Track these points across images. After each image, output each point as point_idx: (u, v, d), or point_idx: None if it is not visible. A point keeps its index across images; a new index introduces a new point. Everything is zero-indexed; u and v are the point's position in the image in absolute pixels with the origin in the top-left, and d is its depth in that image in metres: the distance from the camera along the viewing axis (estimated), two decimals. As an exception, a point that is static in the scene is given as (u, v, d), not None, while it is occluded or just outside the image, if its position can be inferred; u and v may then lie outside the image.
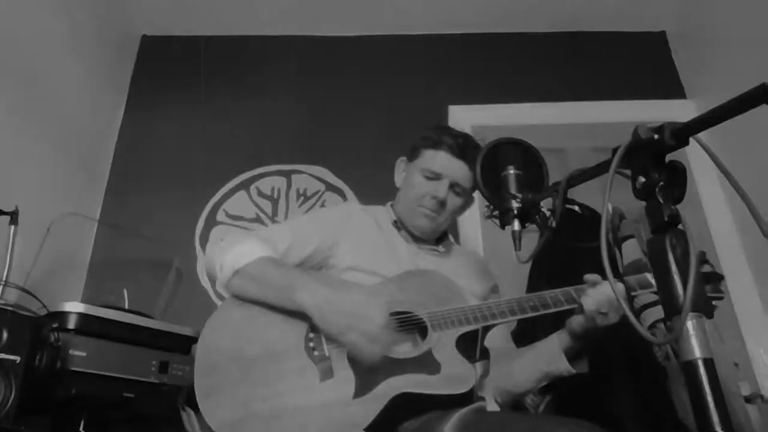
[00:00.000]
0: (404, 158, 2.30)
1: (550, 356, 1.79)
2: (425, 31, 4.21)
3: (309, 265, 2.00)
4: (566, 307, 1.72)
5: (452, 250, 2.28)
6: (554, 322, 1.79)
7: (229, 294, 1.83)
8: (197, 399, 1.60)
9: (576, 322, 1.73)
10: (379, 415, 1.54)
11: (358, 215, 2.13)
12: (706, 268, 1.75)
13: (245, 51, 4.17)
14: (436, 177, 2.13)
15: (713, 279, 1.76)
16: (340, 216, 2.12)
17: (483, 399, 1.77)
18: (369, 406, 1.55)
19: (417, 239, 2.18)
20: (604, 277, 1.06)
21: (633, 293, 1.69)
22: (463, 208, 2.22)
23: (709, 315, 0.95)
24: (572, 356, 1.76)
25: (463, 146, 2.15)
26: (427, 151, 2.19)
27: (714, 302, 1.74)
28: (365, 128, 3.82)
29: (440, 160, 2.15)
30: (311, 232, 2.03)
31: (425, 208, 2.11)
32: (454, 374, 1.61)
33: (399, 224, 2.18)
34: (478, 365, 1.78)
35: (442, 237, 2.26)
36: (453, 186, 2.13)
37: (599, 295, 1.66)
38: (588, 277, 1.72)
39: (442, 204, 2.11)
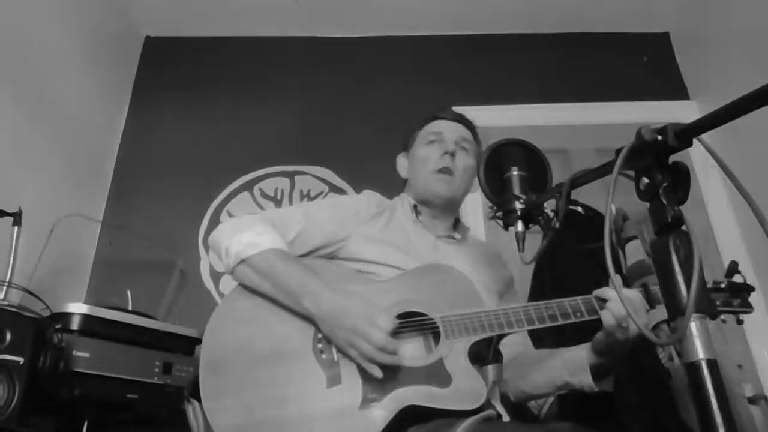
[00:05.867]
0: (401, 153, 2.30)
1: (576, 368, 1.72)
2: (428, 32, 4.22)
3: (319, 254, 1.94)
4: (587, 317, 1.65)
5: (468, 237, 2.24)
6: (561, 327, 1.75)
7: (234, 279, 1.80)
8: (202, 398, 1.58)
9: (598, 338, 1.66)
10: (385, 429, 1.51)
11: (375, 206, 2.06)
12: (737, 279, 1.72)
13: (249, 52, 4.18)
14: (438, 138, 2.15)
15: (743, 291, 1.73)
16: (356, 207, 2.05)
17: (493, 407, 1.71)
18: (375, 419, 1.52)
19: (434, 226, 2.13)
20: (614, 284, 1.03)
21: (659, 306, 1.63)
22: (473, 173, 2.14)
23: (713, 316, 0.95)
24: (598, 372, 1.69)
25: (455, 113, 2.24)
26: (423, 128, 2.23)
27: (741, 316, 1.72)
28: (368, 129, 3.83)
29: (438, 124, 2.20)
30: (325, 221, 1.96)
31: (438, 170, 2.08)
32: (465, 388, 1.56)
33: (417, 208, 2.13)
34: (490, 369, 1.72)
35: (456, 222, 2.22)
36: (458, 143, 2.14)
37: (620, 309, 1.58)
38: (601, 292, 1.66)
39: (452, 156, 2.09)
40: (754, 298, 1.73)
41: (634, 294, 1.64)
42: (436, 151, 2.12)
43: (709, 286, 1.67)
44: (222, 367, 1.63)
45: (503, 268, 2.21)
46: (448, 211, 2.18)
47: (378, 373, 1.55)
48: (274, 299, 1.72)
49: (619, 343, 1.62)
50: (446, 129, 2.17)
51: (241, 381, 1.60)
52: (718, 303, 1.67)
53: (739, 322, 1.71)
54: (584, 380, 1.70)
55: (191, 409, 1.99)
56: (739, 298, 1.71)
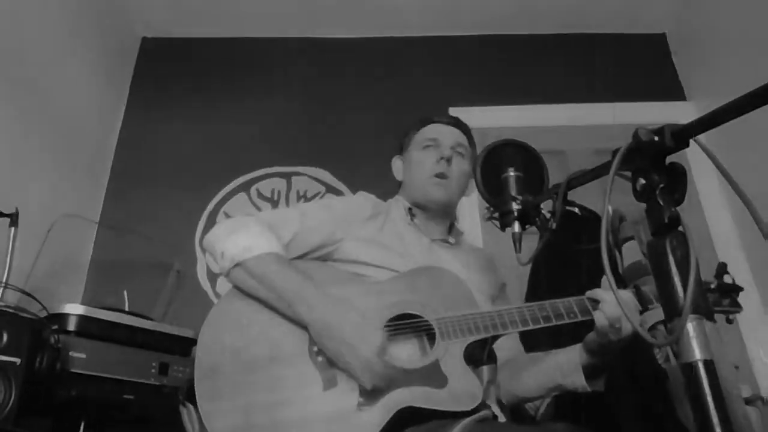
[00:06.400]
0: (397, 155, 2.31)
1: (567, 370, 1.73)
2: (426, 33, 4.23)
3: (315, 255, 1.94)
4: (580, 318, 1.66)
5: (462, 242, 2.26)
6: (556, 327, 1.75)
7: (229, 282, 1.80)
8: (198, 402, 1.57)
9: (590, 339, 1.67)
10: (381, 431, 1.51)
11: (371, 208, 2.07)
12: (726, 280, 1.73)
13: (246, 53, 4.18)
14: (434, 143, 2.15)
15: (732, 291, 1.73)
16: (352, 208, 2.06)
17: (488, 407, 1.72)
18: (372, 421, 1.52)
19: (428, 230, 2.13)
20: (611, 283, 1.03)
21: (651, 306, 1.64)
22: (468, 178, 2.17)
23: (710, 317, 0.95)
24: (590, 373, 1.71)
25: (450, 117, 2.26)
26: (418, 131, 2.23)
27: (731, 316, 1.73)
28: (366, 130, 3.83)
29: (434, 128, 2.21)
30: (320, 223, 1.96)
31: (435, 176, 2.09)
32: (461, 390, 1.57)
33: (412, 211, 2.13)
34: (485, 370, 1.73)
35: (451, 227, 2.23)
36: (454, 147, 2.14)
37: (612, 310, 1.59)
38: (594, 293, 1.67)
39: (448, 162, 2.09)
40: (750, 299, 1.74)
41: (626, 295, 1.64)
42: (432, 156, 2.12)
43: (699, 286, 1.68)
44: (217, 371, 1.62)
45: (496, 274, 2.22)
46: (443, 215, 2.19)
47: (367, 385, 1.56)
48: (269, 303, 1.72)
49: (611, 344, 1.63)
50: (442, 134, 2.17)
51: (236, 384, 1.59)
52: (707, 303, 1.68)
53: (729, 321, 1.72)
54: (577, 381, 1.71)
55: (186, 413, 1.99)
56: (728, 298, 1.72)
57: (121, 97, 3.98)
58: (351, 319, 1.61)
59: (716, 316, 1.69)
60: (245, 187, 3.70)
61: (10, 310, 1.95)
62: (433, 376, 1.60)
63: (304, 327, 1.67)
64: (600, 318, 1.60)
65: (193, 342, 2.40)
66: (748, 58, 3.37)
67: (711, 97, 3.69)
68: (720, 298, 1.71)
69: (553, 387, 1.77)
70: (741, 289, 1.73)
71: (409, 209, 2.14)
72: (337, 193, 3.67)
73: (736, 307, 1.72)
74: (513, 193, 1.49)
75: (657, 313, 1.64)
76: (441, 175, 2.09)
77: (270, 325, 1.70)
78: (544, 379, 1.80)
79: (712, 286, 1.71)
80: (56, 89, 3.21)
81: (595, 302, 1.65)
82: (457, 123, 2.23)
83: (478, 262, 2.17)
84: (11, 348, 1.85)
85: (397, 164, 2.29)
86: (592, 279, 1.71)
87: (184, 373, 2.35)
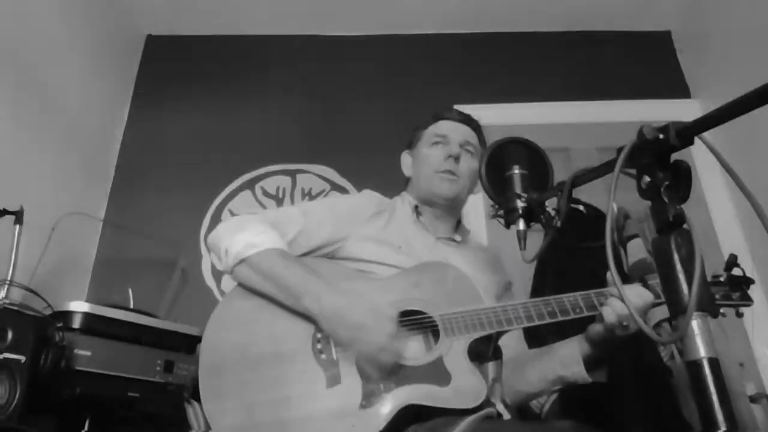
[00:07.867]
0: (406, 151, 2.30)
1: (568, 361, 1.74)
2: (430, 31, 4.22)
3: (319, 253, 1.93)
4: (586, 314, 1.66)
5: (468, 240, 2.24)
6: (561, 323, 1.75)
7: (233, 279, 1.81)
8: (202, 400, 1.58)
9: (594, 331, 1.67)
10: (384, 428, 1.51)
11: (375, 206, 2.05)
12: (737, 272, 1.72)
13: (250, 50, 4.18)
14: (443, 140, 2.14)
15: (743, 284, 1.72)
16: (356, 206, 2.05)
17: (493, 405, 1.71)
18: (375, 419, 1.52)
19: (434, 228, 2.12)
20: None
21: (658, 300, 1.62)
22: (477, 176, 2.14)
23: (714, 314, 0.95)
24: (591, 364, 1.71)
25: (461, 114, 2.23)
26: (428, 127, 2.22)
27: (740, 309, 1.72)
28: (370, 127, 3.83)
29: (444, 125, 2.19)
30: (324, 221, 1.95)
31: (443, 171, 2.08)
32: (465, 387, 1.57)
33: (419, 209, 2.13)
34: (490, 366, 1.72)
35: (458, 225, 2.22)
36: (463, 145, 2.13)
37: (621, 308, 1.59)
38: (610, 278, 1.65)
39: (456, 160, 2.08)
40: (755, 297, 1.73)
41: (639, 290, 1.63)
42: (441, 153, 2.11)
43: (708, 279, 1.68)
44: (221, 369, 1.63)
45: (502, 273, 2.21)
46: (450, 212, 2.18)
47: (389, 360, 1.56)
48: (274, 299, 1.72)
49: (617, 338, 1.63)
50: (451, 131, 2.16)
51: (240, 382, 1.60)
52: (717, 296, 1.67)
53: (739, 315, 1.71)
54: (577, 372, 1.72)
55: (191, 410, 1.99)
56: (739, 291, 1.71)
57: (125, 95, 3.98)
58: (361, 305, 1.62)
59: (726, 309, 1.69)
60: (250, 184, 3.70)
61: (15, 308, 1.95)
62: (437, 373, 1.60)
63: (308, 323, 1.67)
64: (609, 314, 1.60)
65: (198, 339, 2.42)
66: (753, 56, 3.36)
67: (716, 95, 3.68)
68: (730, 291, 1.70)
69: (554, 379, 1.78)
70: (752, 281, 1.72)
71: (416, 207, 2.13)
72: (342, 190, 3.67)
73: (747, 300, 1.71)
74: (518, 190, 1.49)
75: (662, 310, 1.63)
76: (449, 172, 2.08)
77: (273, 323, 1.70)
78: (545, 373, 1.80)
79: (722, 278, 1.71)
80: (61, 87, 3.22)
81: (603, 297, 1.65)
82: (467, 120, 2.21)
83: (484, 260, 2.16)
84: (16, 346, 1.85)
85: (405, 160, 2.29)
86: (598, 277, 1.71)
87: (189, 370, 2.36)
